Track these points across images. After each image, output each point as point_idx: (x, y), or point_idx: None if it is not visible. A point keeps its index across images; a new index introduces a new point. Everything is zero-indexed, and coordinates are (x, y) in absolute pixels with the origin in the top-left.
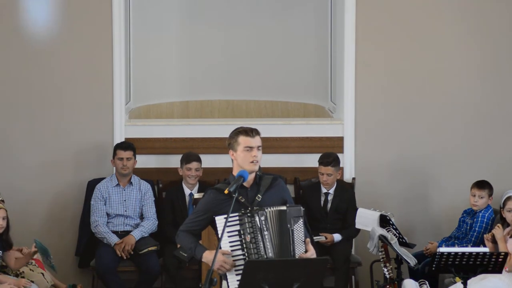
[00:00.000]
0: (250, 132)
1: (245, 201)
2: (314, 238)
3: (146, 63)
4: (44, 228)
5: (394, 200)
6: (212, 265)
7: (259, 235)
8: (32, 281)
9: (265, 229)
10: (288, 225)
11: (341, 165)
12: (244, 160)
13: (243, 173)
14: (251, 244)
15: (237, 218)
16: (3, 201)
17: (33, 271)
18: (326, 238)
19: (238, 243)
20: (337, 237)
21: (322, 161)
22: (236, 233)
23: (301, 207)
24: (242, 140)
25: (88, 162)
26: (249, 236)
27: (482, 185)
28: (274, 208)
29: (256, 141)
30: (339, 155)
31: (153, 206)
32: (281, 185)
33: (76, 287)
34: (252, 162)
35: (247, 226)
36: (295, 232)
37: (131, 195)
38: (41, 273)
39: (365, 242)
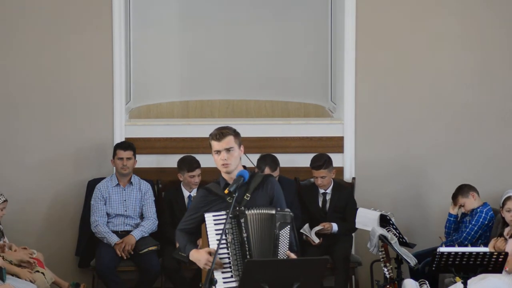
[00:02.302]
0: (216, 136)
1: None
2: (314, 229)
3: (146, 63)
4: (44, 228)
5: (394, 199)
6: (212, 264)
7: (238, 236)
8: (33, 281)
9: (244, 231)
10: (275, 230)
11: (341, 165)
12: (217, 163)
13: (243, 173)
14: (232, 245)
15: (224, 217)
16: (6, 201)
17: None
18: (324, 225)
19: (224, 241)
20: (334, 226)
21: (313, 165)
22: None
23: (291, 214)
24: (212, 144)
25: (88, 162)
26: (230, 236)
27: (454, 196)
28: (258, 211)
29: (223, 144)
30: (339, 155)
31: (153, 206)
32: (272, 183)
33: (80, 286)
34: (223, 165)
35: (228, 226)
36: (280, 237)
37: (131, 195)
38: (42, 272)
39: (365, 242)
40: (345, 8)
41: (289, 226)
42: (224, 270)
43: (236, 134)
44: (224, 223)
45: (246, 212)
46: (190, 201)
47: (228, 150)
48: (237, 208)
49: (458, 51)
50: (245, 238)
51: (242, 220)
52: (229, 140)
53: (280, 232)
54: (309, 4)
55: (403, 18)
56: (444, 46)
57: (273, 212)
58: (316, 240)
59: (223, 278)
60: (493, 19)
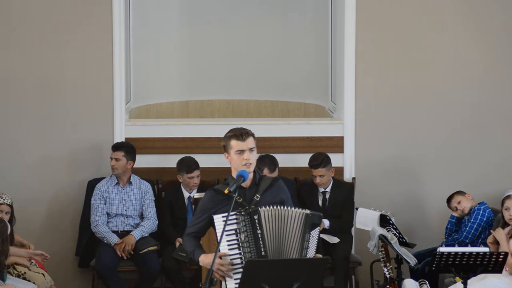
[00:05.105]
0: (240, 136)
1: (243, 200)
2: None
3: (146, 63)
4: (44, 228)
5: (394, 199)
6: (212, 265)
7: (252, 234)
8: (33, 282)
9: (258, 227)
10: (307, 230)
11: (341, 165)
12: (237, 163)
13: (243, 173)
14: (245, 243)
15: (234, 217)
16: (10, 205)
17: (33, 271)
18: None
19: (235, 242)
20: (326, 222)
21: (311, 164)
22: (234, 232)
23: (321, 215)
24: (234, 143)
25: (88, 162)
26: (243, 235)
27: (448, 200)
28: (273, 207)
29: (247, 144)
30: (339, 155)
31: (153, 206)
32: (281, 186)
33: None
34: (245, 164)
35: (242, 225)
36: (311, 238)
37: (130, 194)
38: (42, 273)
39: (365, 242)
40: (345, 8)
41: (318, 228)
42: (236, 270)
43: (254, 136)
44: (224, 224)
45: (259, 208)
46: (190, 202)
47: (251, 150)
48: (246, 207)
49: (459, 51)
50: (259, 235)
51: (256, 217)
52: (252, 141)
53: (311, 233)
54: (309, 4)
55: (403, 18)
56: (445, 46)
57: (308, 212)
58: None
59: (235, 279)
60: (497, 18)
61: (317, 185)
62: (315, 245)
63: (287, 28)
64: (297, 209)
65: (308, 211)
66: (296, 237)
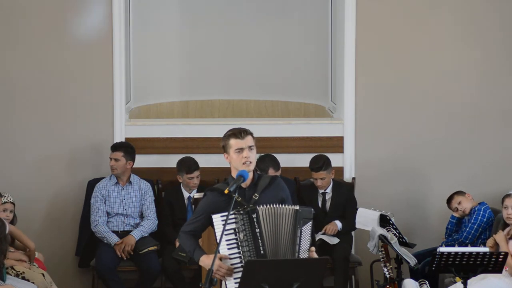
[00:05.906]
0: (239, 134)
1: (242, 200)
2: (318, 235)
3: (146, 63)
4: (44, 227)
5: (394, 199)
6: (212, 265)
7: (251, 233)
8: (33, 282)
9: (256, 226)
10: (298, 225)
11: (341, 165)
12: (237, 162)
13: (243, 172)
14: (244, 242)
15: (233, 216)
16: (13, 203)
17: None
18: (327, 230)
19: (234, 241)
20: (339, 224)
21: (312, 167)
22: (232, 231)
23: (312, 210)
24: (233, 142)
25: (88, 162)
26: (242, 234)
27: (449, 200)
28: (271, 206)
29: (246, 142)
30: (339, 155)
31: (153, 206)
32: (280, 184)
33: None
34: (244, 163)
35: (240, 224)
36: (303, 233)
37: (130, 194)
38: (42, 273)
39: (365, 242)
40: (345, 8)
41: (311, 222)
42: (236, 270)
43: (253, 135)
44: (224, 224)
45: (258, 207)
46: (190, 202)
47: (250, 148)
48: (244, 206)
49: (458, 51)
50: (257, 233)
51: (254, 216)
52: (251, 139)
53: (303, 228)
54: (309, 4)
55: (403, 18)
56: (444, 46)
57: (297, 208)
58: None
59: (234, 278)
60: (494, 18)
61: (318, 188)
62: (308, 240)
63: (287, 28)
64: (288, 205)
65: (297, 207)
66: (289, 233)
